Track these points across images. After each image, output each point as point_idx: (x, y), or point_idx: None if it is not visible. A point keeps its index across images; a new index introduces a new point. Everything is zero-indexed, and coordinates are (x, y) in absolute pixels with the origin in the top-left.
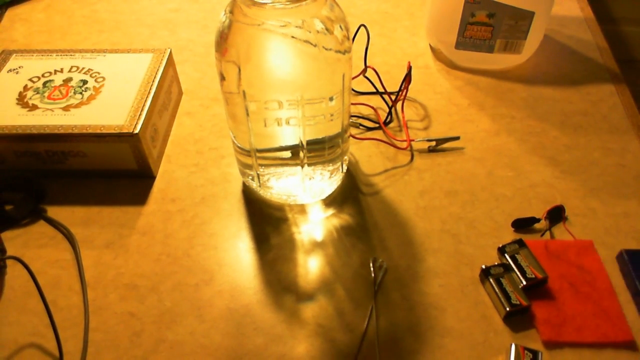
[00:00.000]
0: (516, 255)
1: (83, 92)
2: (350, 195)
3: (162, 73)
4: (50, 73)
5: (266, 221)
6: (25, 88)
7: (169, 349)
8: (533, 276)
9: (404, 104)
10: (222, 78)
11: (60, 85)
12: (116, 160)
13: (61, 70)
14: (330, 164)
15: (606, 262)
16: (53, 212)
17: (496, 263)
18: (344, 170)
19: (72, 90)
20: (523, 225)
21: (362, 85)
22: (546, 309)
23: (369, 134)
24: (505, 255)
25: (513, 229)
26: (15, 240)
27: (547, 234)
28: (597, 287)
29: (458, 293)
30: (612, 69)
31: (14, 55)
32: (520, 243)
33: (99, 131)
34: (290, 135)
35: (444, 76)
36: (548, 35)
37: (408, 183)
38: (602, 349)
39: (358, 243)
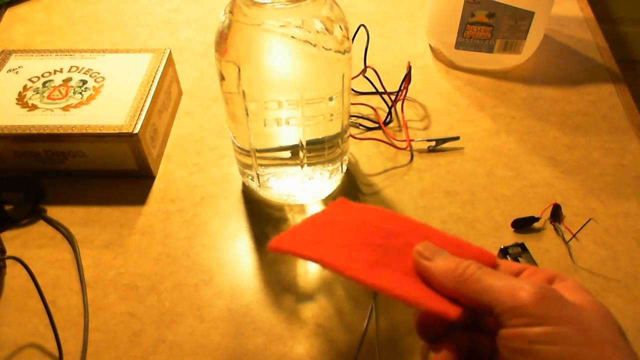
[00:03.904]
0: (519, 258)
1: (83, 92)
2: (350, 195)
3: (162, 73)
4: (50, 73)
5: (266, 221)
6: (25, 88)
7: (169, 349)
8: None
9: (404, 104)
10: (222, 78)
11: (60, 85)
12: (116, 160)
13: (61, 70)
14: (330, 164)
15: (604, 260)
16: (53, 212)
17: None
18: (344, 171)
19: (72, 90)
20: (522, 225)
21: (362, 85)
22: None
23: (368, 134)
24: (508, 257)
25: (513, 229)
26: (15, 241)
27: (548, 233)
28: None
29: None
30: (612, 69)
31: (14, 55)
32: (523, 247)
33: (98, 131)
34: (290, 135)
35: (443, 76)
36: (548, 35)
37: (408, 183)
38: None
39: None
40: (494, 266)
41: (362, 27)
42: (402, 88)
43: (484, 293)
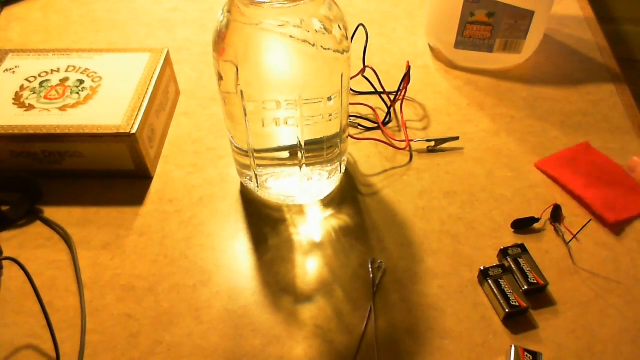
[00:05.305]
0: (519, 259)
1: (80, 92)
2: (349, 195)
3: (160, 73)
4: (47, 73)
5: (264, 222)
6: (22, 88)
7: (167, 350)
8: (535, 281)
9: (403, 103)
10: (220, 78)
11: (57, 85)
12: (113, 161)
13: (58, 70)
14: (329, 165)
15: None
16: (50, 212)
17: (495, 264)
18: (343, 171)
19: (69, 90)
20: (522, 225)
21: (361, 85)
22: (600, 198)
23: (367, 134)
24: (508, 258)
25: (513, 229)
26: (12, 241)
27: (548, 234)
28: (613, 173)
29: (457, 294)
30: (613, 68)
31: (11, 54)
32: (523, 248)
33: (95, 131)
34: (289, 135)
35: (443, 76)
36: (548, 35)
37: (407, 183)
38: None
39: (357, 244)
40: None
41: (361, 27)
42: (401, 88)
43: None
